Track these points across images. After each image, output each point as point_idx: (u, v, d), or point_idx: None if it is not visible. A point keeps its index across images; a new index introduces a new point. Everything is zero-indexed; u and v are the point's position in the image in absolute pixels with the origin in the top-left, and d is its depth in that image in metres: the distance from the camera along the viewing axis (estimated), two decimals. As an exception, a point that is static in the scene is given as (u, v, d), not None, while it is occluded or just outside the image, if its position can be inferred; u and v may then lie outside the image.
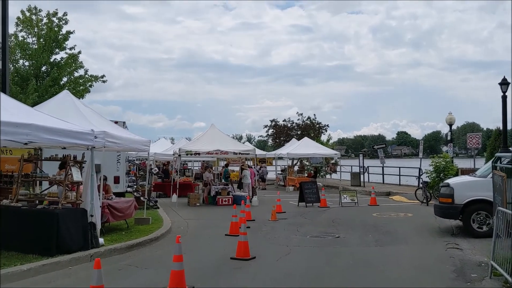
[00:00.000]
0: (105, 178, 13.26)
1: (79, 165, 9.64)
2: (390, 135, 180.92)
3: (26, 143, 9.72)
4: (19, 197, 9.70)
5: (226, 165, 27.92)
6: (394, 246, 10.76)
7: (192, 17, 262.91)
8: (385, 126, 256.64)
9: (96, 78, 22.32)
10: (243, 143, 33.23)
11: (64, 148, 11.25)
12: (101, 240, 9.93)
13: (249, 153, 21.18)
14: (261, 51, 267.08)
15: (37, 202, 9.93)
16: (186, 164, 36.81)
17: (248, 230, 13.28)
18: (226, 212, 14.45)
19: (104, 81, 22.36)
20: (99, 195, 12.24)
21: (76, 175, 9.37)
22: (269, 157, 34.98)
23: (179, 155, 20.18)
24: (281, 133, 42.25)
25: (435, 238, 11.76)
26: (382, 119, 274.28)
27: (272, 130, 42.69)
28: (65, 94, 12.04)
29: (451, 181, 12.99)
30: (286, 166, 32.36)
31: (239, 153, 20.88)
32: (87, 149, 9.83)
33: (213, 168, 29.33)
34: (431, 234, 12.41)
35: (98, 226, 9.98)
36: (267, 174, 33.00)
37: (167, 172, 26.54)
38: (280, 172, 33.48)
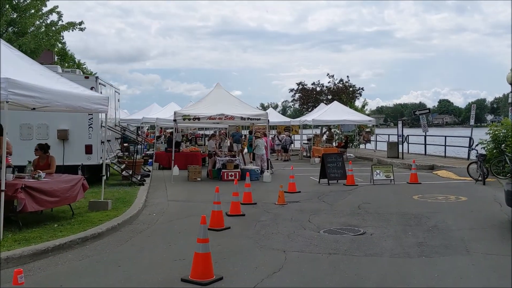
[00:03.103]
0: (41, 148, 9.75)
1: None
2: (431, 104, 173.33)
3: None
4: None
5: (250, 132, 24.31)
6: (448, 258, 6.89)
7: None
8: (426, 94, 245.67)
9: (72, 25, 18.52)
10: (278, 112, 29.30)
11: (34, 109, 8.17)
12: (-9, 243, 6.52)
13: (260, 118, 17.36)
14: (298, 17, 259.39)
15: None
16: (198, 132, 33.38)
17: (239, 220, 9.79)
18: (228, 190, 11.10)
19: (82, 29, 18.59)
20: (31, 169, 8.94)
21: None
22: (294, 124, 31.09)
23: (175, 120, 16.62)
24: (309, 97, 37.81)
25: (508, 242, 7.80)
26: (423, 87, 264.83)
27: (299, 94, 38.24)
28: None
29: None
30: (312, 135, 28.39)
31: (248, 118, 17.09)
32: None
33: (243, 137, 25.82)
34: (500, 234, 8.44)
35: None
36: (291, 143, 29.24)
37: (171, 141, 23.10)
38: (306, 142, 29.58)
